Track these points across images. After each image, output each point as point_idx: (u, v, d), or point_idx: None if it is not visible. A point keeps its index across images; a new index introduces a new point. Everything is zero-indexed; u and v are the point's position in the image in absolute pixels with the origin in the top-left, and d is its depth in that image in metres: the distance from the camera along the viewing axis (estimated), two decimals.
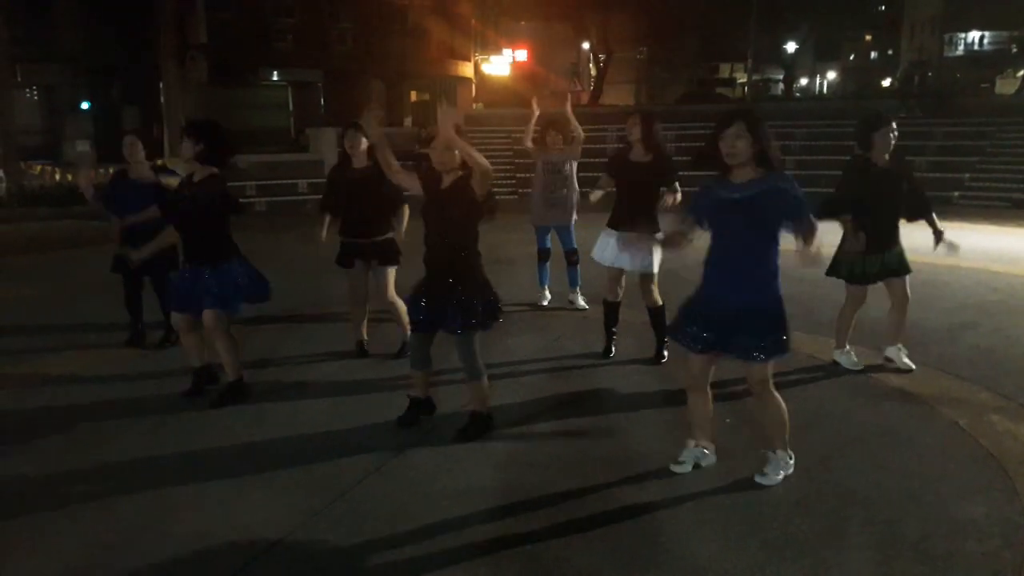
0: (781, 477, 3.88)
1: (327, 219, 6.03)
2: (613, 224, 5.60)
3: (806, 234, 3.57)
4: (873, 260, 5.34)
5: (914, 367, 5.45)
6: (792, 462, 3.94)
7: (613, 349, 5.88)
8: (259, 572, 3.22)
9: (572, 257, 7.27)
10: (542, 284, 7.50)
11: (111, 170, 10.08)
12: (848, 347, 5.61)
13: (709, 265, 3.78)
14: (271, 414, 4.84)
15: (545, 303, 7.44)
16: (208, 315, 4.85)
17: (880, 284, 5.47)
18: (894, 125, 5.21)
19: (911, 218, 5.42)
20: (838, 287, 5.63)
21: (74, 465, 4.19)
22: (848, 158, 5.69)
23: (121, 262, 6.13)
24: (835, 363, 5.59)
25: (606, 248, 5.61)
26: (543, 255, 7.46)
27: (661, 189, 5.54)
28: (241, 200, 5.36)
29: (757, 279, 3.65)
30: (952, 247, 5.32)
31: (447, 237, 4.26)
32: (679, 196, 5.51)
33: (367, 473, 4.02)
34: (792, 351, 3.83)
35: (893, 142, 5.20)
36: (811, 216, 3.59)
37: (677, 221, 4.14)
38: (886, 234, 5.29)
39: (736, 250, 3.67)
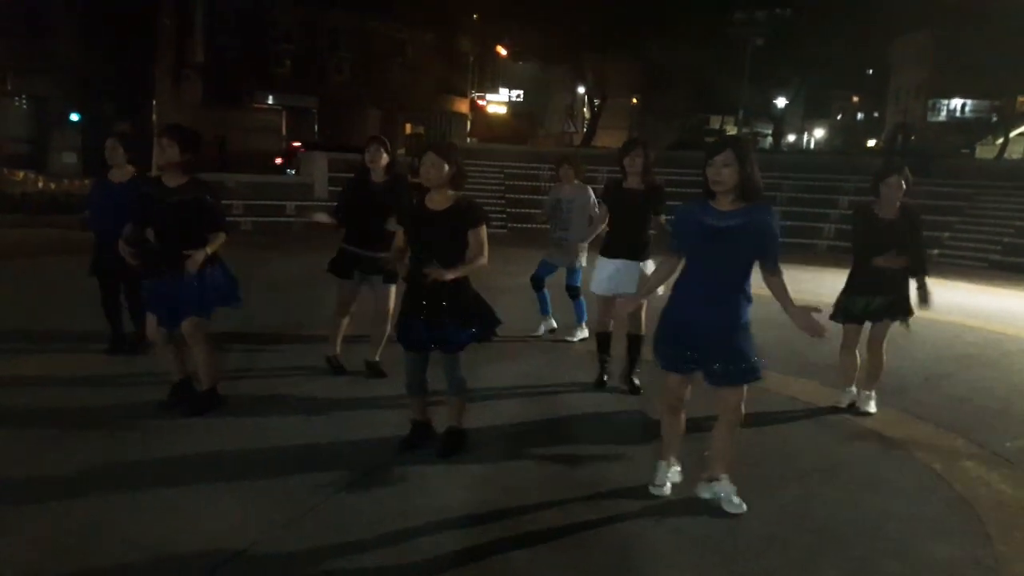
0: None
1: (331, 220, 5.83)
2: (609, 253, 5.64)
3: (772, 268, 3.66)
4: (858, 300, 5.40)
5: (873, 412, 5.47)
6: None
7: (607, 378, 5.86)
8: None
9: (569, 292, 7.17)
10: (542, 313, 7.38)
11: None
12: (852, 388, 5.59)
13: (680, 288, 3.77)
14: (244, 425, 4.76)
15: (539, 332, 7.29)
16: (188, 323, 4.78)
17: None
18: (897, 179, 5.15)
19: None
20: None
21: (36, 466, 4.09)
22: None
23: (98, 265, 6.05)
24: (834, 407, 5.55)
25: (603, 279, 5.65)
26: (533, 283, 7.31)
27: (651, 216, 5.60)
28: (228, 219, 5.25)
29: (730, 305, 3.66)
30: (927, 305, 5.28)
31: (435, 256, 4.10)
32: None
33: (339, 487, 3.96)
34: (762, 376, 3.82)
35: (899, 195, 5.19)
36: (777, 258, 3.65)
37: (664, 256, 4.11)
38: (874, 280, 5.30)
39: (711, 276, 3.68)
